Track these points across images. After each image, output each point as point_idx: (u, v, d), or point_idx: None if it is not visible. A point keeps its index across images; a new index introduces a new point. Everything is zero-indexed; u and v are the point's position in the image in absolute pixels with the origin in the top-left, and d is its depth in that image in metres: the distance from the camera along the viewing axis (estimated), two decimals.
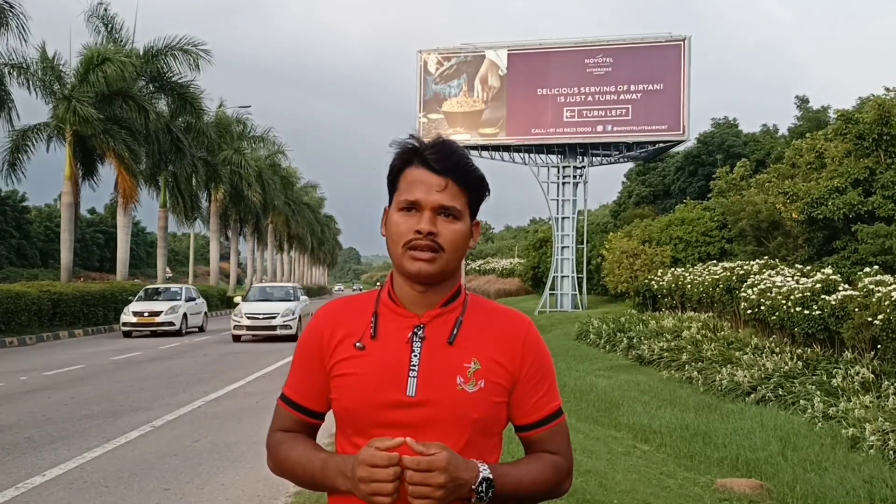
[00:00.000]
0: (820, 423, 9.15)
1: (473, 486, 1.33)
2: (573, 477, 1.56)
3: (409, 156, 1.46)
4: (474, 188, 1.47)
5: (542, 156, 35.46)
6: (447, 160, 1.43)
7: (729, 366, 12.41)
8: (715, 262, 22.17)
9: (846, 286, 12.54)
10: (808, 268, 15.88)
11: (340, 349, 1.46)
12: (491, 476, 1.36)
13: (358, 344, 1.44)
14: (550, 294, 34.56)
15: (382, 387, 1.40)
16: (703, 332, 15.74)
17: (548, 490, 1.48)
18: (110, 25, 26.97)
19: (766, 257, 19.12)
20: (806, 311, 12.55)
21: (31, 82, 23.33)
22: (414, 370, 1.41)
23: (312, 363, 1.49)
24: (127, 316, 20.45)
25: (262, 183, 40.35)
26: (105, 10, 26.84)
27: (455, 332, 1.45)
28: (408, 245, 1.41)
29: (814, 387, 10.42)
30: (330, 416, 1.53)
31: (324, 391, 1.49)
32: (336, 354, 1.46)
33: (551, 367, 1.56)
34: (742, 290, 15.91)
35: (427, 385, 1.40)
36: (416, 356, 1.42)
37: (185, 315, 21.46)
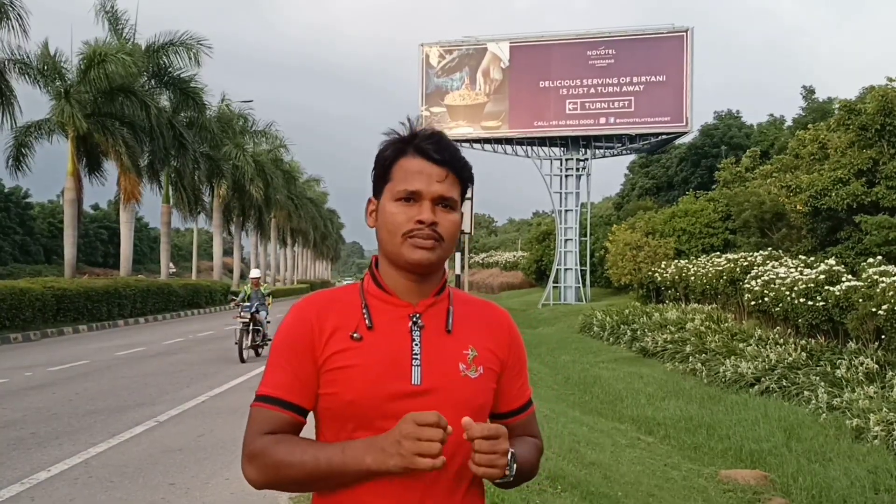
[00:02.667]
0: (824, 414, 9.15)
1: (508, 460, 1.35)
2: (543, 462, 1.59)
3: (403, 146, 1.45)
4: (467, 179, 1.48)
5: (545, 148, 35.43)
6: (446, 151, 1.44)
7: (733, 357, 12.42)
8: (718, 253, 22.16)
9: (850, 277, 12.52)
10: (812, 259, 15.86)
11: (334, 341, 1.41)
12: (514, 451, 1.38)
13: (355, 335, 1.41)
14: (554, 287, 34.58)
15: (387, 377, 1.38)
16: (707, 323, 15.74)
17: (533, 469, 1.52)
18: (115, 20, 27.04)
19: (769, 248, 19.10)
20: (810, 302, 12.54)
21: (33, 78, 23.35)
22: (416, 358, 1.40)
23: (303, 357, 1.42)
24: None
25: (264, 178, 40.33)
26: (112, 5, 26.96)
27: (450, 320, 1.46)
28: (408, 235, 1.41)
29: (818, 378, 10.42)
30: (310, 419, 1.47)
31: (314, 387, 1.42)
32: (329, 347, 1.41)
33: (526, 356, 1.60)
34: (746, 281, 15.90)
35: (431, 373, 1.40)
36: (416, 345, 1.41)
37: None
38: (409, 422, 1.27)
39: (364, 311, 1.44)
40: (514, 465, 1.36)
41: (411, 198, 1.41)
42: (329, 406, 1.42)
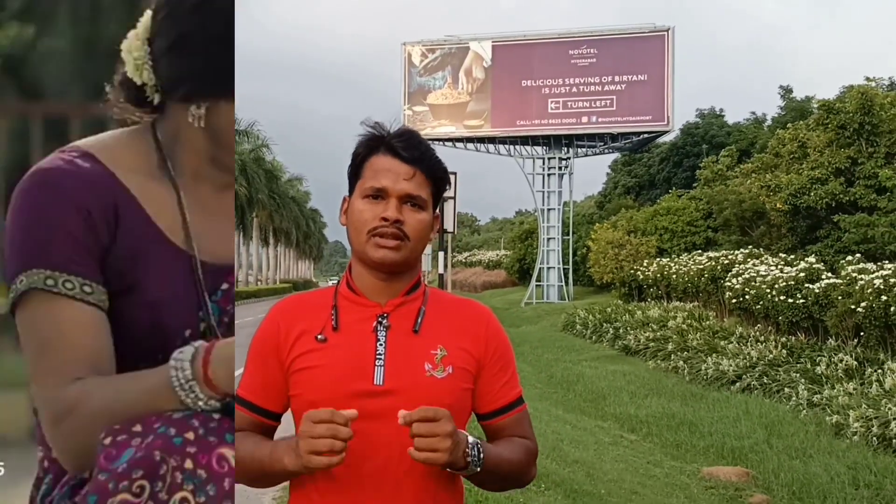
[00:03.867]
0: (804, 411, 9.24)
1: (467, 449, 1.32)
2: (537, 467, 1.56)
3: (375, 143, 1.44)
4: (439, 179, 1.47)
5: (528, 147, 35.47)
6: (415, 149, 1.43)
7: (714, 355, 12.50)
8: (700, 251, 22.30)
9: (829, 275, 12.65)
10: (792, 257, 16.00)
11: (300, 343, 1.42)
12: (479, 441, 1.36)
13: (319, 336, 1.41)
14: (537, 285, 34.62)
15: (348, 377, 1.37)
16: (689, 321, 15.84)
17: (521, 473, 1.48)
18: None
19: (750, 247, 19.24)
20: (790, 300, 12.65)
21: None
22: (380, 359, 1.39)
23: (269, 360, 1.45)
24: None
25: (246, 177, 40.17)
26: None
27: (419, 320, 1.44)
28: (372, 232, 1.40)
29: (798, 375, 10.51)
30: (286, 419, 1.48)
31: (282, 390, 1.45)
32: (295, 349, 1.42)
33: (513, 355, 1.56)
34: (727, 279, 16.01)
35: (394, 373, 1.38)
36: (381, 345, 1.40)
37: None
38: (304, 419, 1.26)
39: (332, 312, 1.44)
40: (481, 456, 1.34)
41: (378, 195, 1.41)
42: (296, 407, 1.43)
